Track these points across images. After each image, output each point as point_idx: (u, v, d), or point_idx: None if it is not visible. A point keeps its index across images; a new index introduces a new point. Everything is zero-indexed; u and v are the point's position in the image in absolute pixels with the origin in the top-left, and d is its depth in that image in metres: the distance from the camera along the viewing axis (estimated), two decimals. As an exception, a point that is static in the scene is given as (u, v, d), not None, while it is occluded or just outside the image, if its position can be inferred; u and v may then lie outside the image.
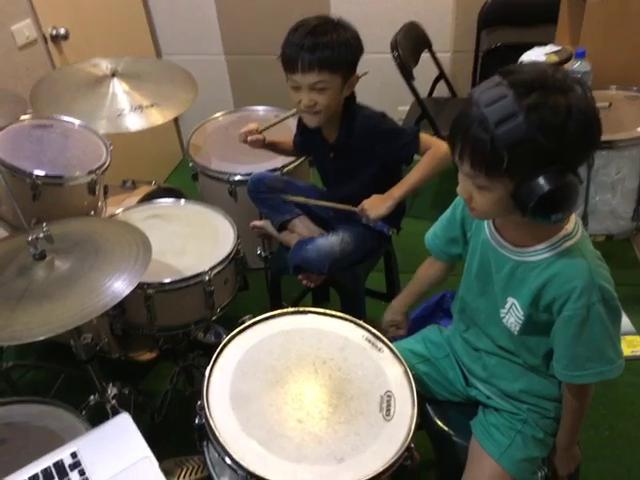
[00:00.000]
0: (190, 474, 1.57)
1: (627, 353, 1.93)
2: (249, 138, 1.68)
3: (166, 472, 1.56)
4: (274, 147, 1.77)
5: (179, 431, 1.70)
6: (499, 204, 0.93)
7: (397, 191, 1.50)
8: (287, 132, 1.80)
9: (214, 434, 1.00)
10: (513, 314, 1.07)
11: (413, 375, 1.12)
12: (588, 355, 0.98)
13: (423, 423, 1.26)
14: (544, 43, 2.26)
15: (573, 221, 1.00)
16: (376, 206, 1.50)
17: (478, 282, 1.15)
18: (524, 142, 0.83)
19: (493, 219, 1.08)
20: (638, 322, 2.03)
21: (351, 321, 1.25)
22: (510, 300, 1.07)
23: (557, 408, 1.13)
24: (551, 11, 2.43)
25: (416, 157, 1.53)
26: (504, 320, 1.10)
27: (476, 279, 1.15)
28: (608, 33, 2.09)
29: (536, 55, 2.21)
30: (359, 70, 1.49)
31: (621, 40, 2.10)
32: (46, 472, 0.98)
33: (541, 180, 0.85)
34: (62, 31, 2.21)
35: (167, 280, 1.44)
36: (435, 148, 1.48)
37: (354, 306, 1.76)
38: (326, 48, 1.38)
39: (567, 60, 2.08)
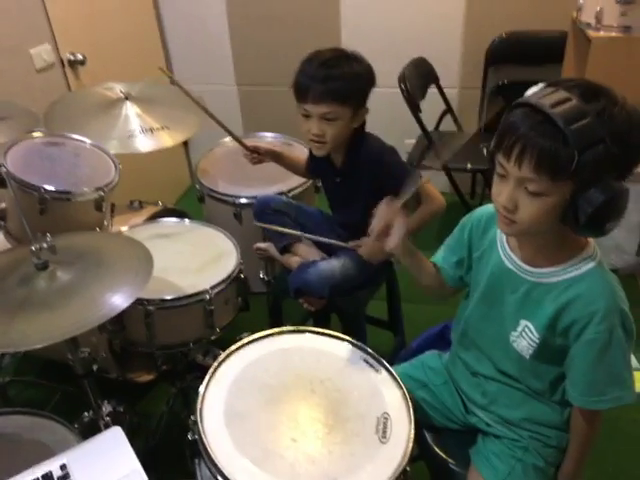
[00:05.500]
0: (181, 500, 1.53)
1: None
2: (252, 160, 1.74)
3: (157, 496, 1.55)
4: (279, 158, 1.78)
5: (173, 455, 1.65)
6: (550, 214, 0.90)
7: None
8: (301, 152, 1.82)
9: (207, 451, 0.98)
10: (526, 337, 1.05)
11: (411, 398, 1.10)
12: (607, 380, 0.97)
13: (421, 450, 1.24)
14: (550, 81, 2.30)
15: (592, 244, 0.99)
16: (370, 254, 1.45)
17: (484, 305, 1.13)
18: (595, 143, 0.83)
19: (508, 239, 1.07)
20: (644, 359, 1.99)
21: (349, 342, 1.24)
22: (523, 323, 1.04)
23: (559, 436, 1.11)
24: (557, 50, 2.48)
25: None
26: (514, 344, 1.07)
27: (482, 302, 1.13)
28: (613, 73, 2.11)
29: (541, 91, 2.25)
30: (370, 104, 1.51)
31: (626, 80, 2.11)
32: (34, 483, 0.96)
33: (604, 186, 0.84)
34: (79, 56, 2.28)
35: (168, 297, 1.44)
36: (432, 203, 1.52)
37: (355, 332, 1.73)
38: (337, 80, 1.41)
39: (572, 96, 2.11)
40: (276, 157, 1.77)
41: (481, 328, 1.16)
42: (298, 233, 1.67)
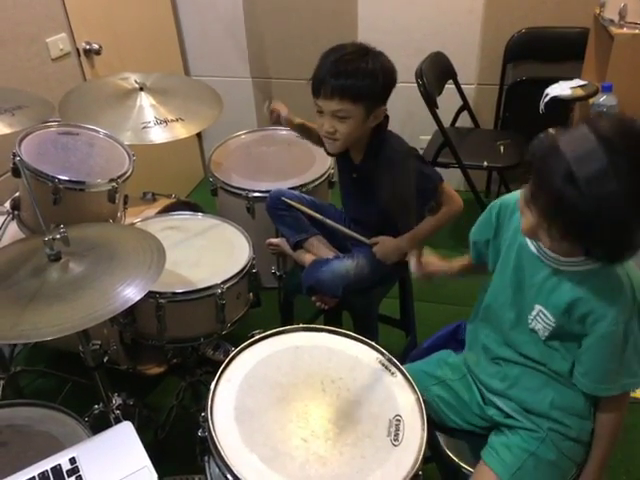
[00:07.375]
0: (190, 493, 1.53)
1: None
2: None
3: (166, 490, 1.55)
4: (302, 128, 1.72)
5: (182, 448, 1.66)
6: (568, 247, 0.95)
7: (406, 243, 1.54)
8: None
9: (216, 448, 0.97)
10: (541, 321, 1.05)
11: (424, 401, 1.09)
12: (619, 370, 0.99)
13: (432, 452, 1.22)
14: (570, 78, 2.26)
15: None
16: (385, 254, 1.57)
17: (509, 289, 1.11)
18: (620, 224, 0.83)
19: None
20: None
21: (365, 342, 1.22)
22: (537, 307, 1.05)
23: (579, 426, 1.09)
24: (577, 47, 2.44)
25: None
26: (531, 325, 1.08)
27: (508, 286, 1.11)
28: (636, 69, 2.08)
29: (562, 89, 2.21)
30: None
31: (649, 77, 2.09)
32: (43, 476, 0.96)
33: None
34: (95, 46, 2.27)
35: (179, 290, 1.43)
36: (451, 206, 1.51)
37: (367, 330, 1.72)
38: (350, 77, 1.36)
39: (593, 94, 2.07)
40: (292, 127, 1.72)
41: (503, 313, 1.14)
42: (320, 217, 1.64)
